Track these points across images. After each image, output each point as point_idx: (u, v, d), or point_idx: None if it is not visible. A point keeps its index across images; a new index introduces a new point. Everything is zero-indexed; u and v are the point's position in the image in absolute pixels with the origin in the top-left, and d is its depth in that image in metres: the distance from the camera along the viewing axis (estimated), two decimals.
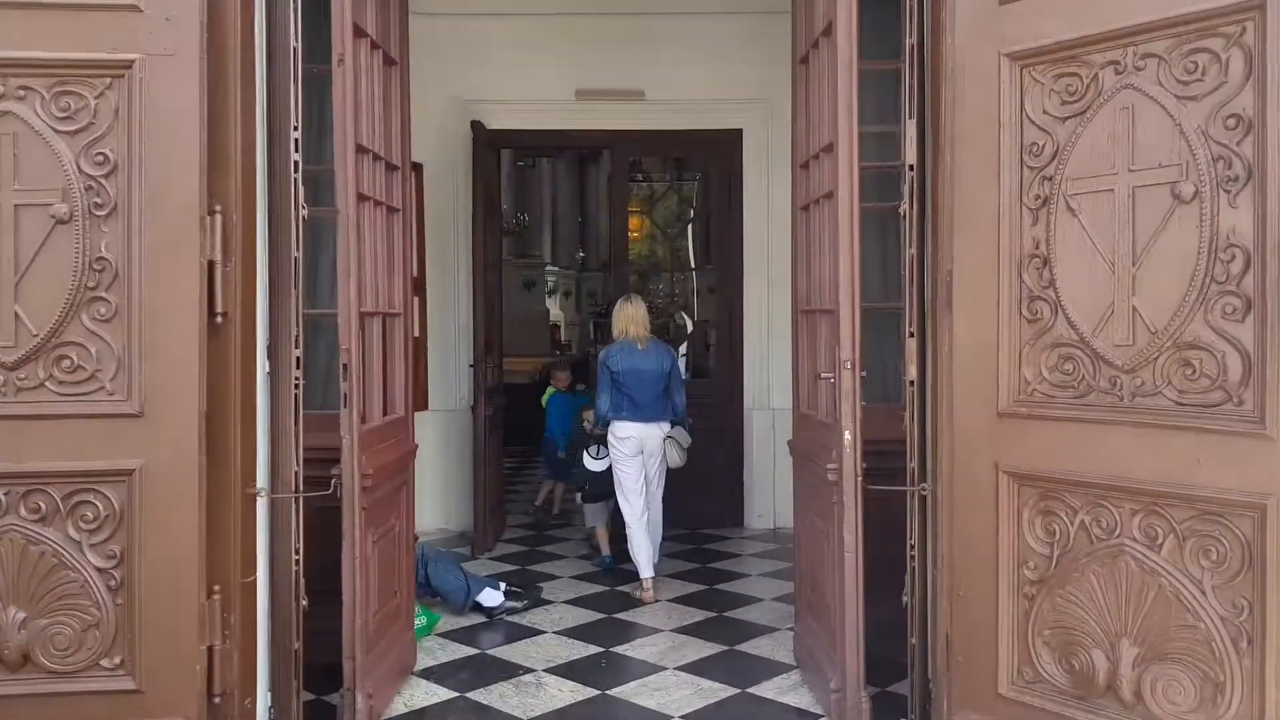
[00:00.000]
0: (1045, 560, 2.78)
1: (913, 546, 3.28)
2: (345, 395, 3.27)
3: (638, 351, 5.39)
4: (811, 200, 3.84)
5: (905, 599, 3.31)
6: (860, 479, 3.23)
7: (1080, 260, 2.71)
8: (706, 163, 9.14)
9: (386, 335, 3.96)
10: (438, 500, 6.85)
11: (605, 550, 6.00)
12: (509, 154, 27.64)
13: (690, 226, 11.42)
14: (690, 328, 9.95)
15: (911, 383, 3.26)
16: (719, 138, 6.91)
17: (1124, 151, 2.63)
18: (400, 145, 4.05)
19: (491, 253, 6.64)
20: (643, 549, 5.26)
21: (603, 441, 5.56)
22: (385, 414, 3.89)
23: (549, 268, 27.95)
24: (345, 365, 3.27)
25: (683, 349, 9.54)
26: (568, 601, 5.12)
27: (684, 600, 5.14)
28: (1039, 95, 2.82)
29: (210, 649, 2.95)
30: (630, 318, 5.47)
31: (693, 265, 10.44)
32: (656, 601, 5.11)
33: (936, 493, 3.08)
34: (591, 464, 5.74)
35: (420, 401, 6.79)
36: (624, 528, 5.45)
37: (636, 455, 5.36)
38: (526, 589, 5.10)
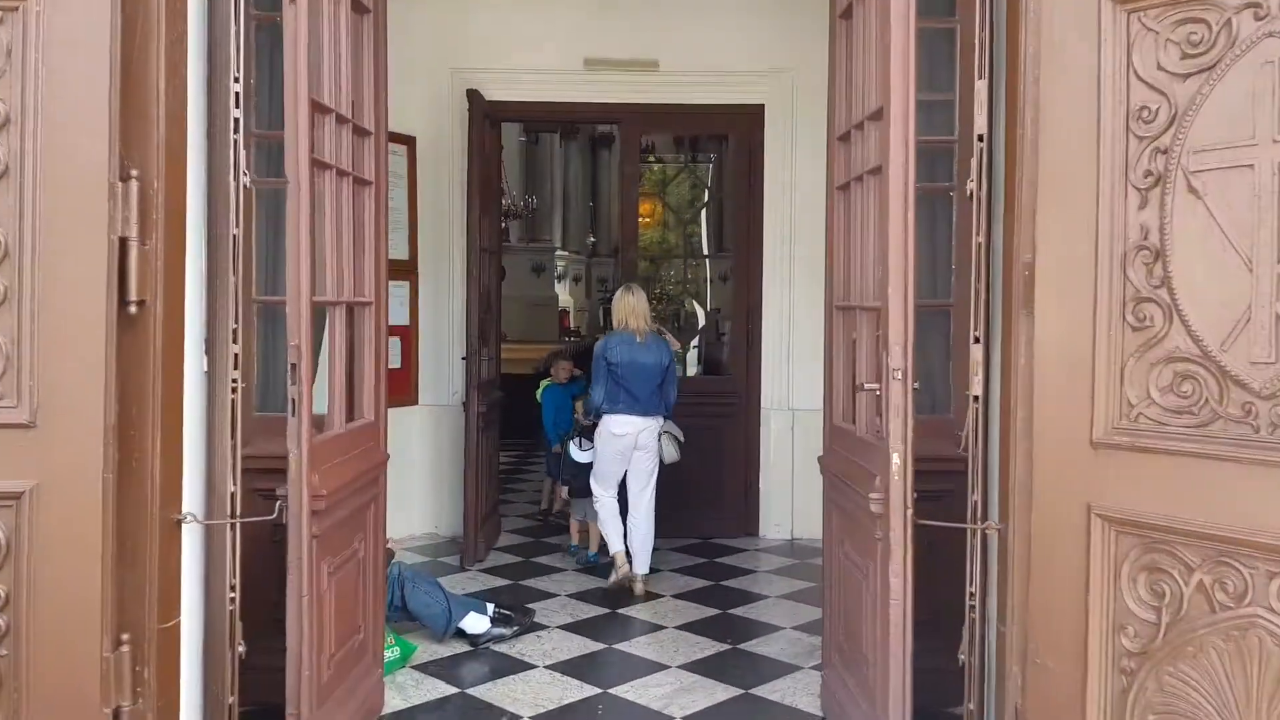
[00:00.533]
0: (1150, 628, 2.22)
1: (973, 595, 2.73)
2: (293, 401, 2.74)
3: (637, 344, 5.20)
4: (853, 178, 3.28)
5: (962, 657, 2.76)
6: (911, 512, 2.68)
7: (1205, 254, 2.14)
8: (724, 140, 8.57)
9: (354, 327, 3.42)
10: (428, 503, 6.33)
11: (592, 548, 5.77)
12: (514, 129, 27.02)
13: (705, 210, 10.85)
14: (702, 319, 9.41)
15: (976, 399, 2.71)
16: (739, 113, 6.33)
17: (1268, 117, 2.05)
18: (374, 108, 3.48)
19: (489, 235, 6.09)
20: (615, 530, 5.27)
21: (589, 433, 5.44)
22: (350, 419, 3.36)
23: (559, 252, 27.40)
24: (293, 365, 2.73)
25: (694, 342, 9.02)
26: (563, 627, 4.56)
27: (693, 628, 4.58)
28: (1151, 46, 2.24)
29: (117, 711, 2.42)
30: (631, 309, 5.26)
31: (706, 251, 9.82)
32: (644, 594, 5.09)
33: (1007, 534, 2.52)
34: (578, 455, 5.59)
35: (410, 395, 6.27)
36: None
37: (629, 452, 5.23)
38: (516, 611, 4.56)
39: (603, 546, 5.60)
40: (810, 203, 6.28)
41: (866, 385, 2.91)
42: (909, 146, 2.73)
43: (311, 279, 2.81)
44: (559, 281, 27.78)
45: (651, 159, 12.53)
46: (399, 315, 6.17)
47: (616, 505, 5.33)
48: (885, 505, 2.71)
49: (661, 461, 5.37)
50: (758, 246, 6.35)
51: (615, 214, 29.88)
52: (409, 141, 6.21)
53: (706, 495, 6.32)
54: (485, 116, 5.85)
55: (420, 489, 6.29)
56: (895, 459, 2.72)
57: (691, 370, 7.85)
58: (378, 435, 3.58)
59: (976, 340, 2.70)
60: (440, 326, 6.31)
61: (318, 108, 2.90)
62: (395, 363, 6.17)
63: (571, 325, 28.06)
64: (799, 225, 6.26)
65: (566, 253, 28.69)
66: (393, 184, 6.14)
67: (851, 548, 3.18)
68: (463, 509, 5.68)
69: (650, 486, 5.32)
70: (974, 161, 2.69)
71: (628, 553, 5.26)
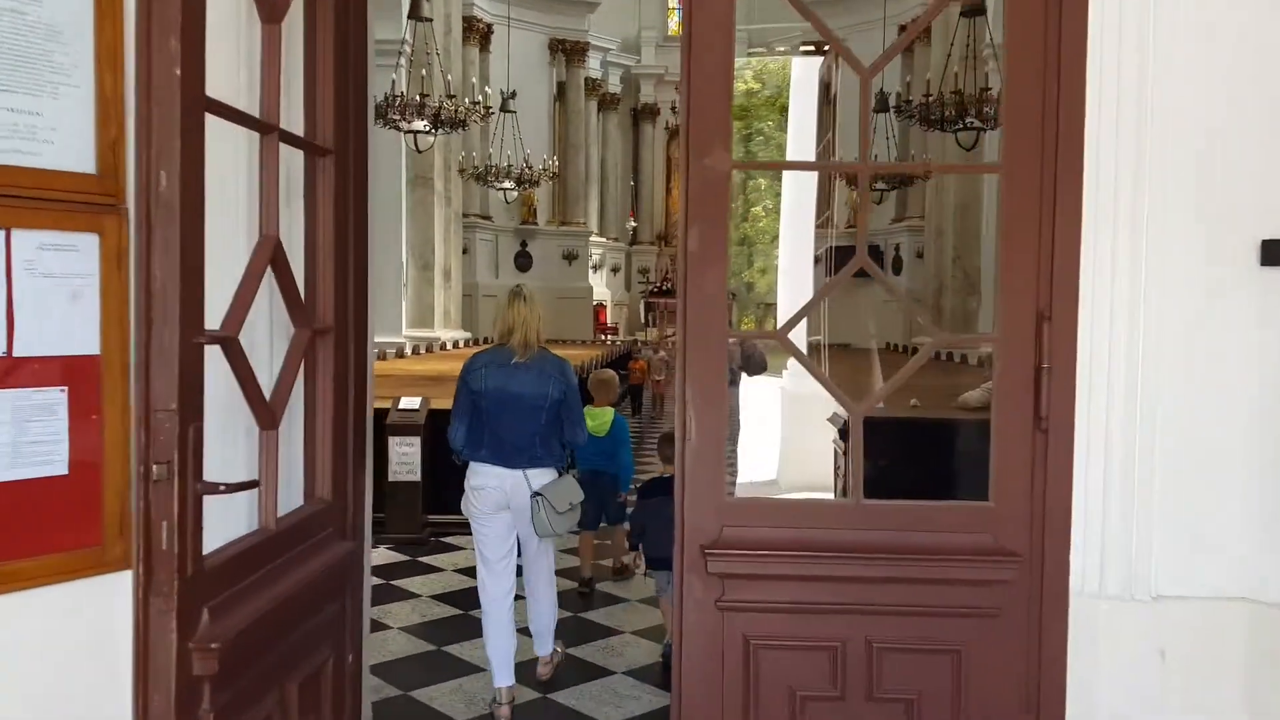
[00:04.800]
0: None
1: None
2: None
3: (513, 366, 3.56)
4: None
5: None
6: None
7: None
8: None
9: None
10: None
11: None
12: (545, 82, 23.15)
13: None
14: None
15: None
16: None
17: None
18: None
19: (343, 109, 2.05)
20: (499, 647, 3.60)
21: None
22: None
23: (595, 238, 23.46)
24: None
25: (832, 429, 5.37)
26: None
27: None
28: None
29: None
30: (521, 320, 3.58)
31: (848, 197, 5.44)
32: (551, 673, 3.85)
33: None
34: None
35: (99, 545, 2.25)
36: None
37: (500, 511, 3.62)
38: None
39: None
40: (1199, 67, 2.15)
41: None
42: None
43: None
44: (594, 271, 23.86)
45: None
46: (59, 335, 2.15)
47: (508, 607, 3.62)
48: None
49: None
50: (1072, 168, 2.21)
51: (658, 195, 26.02)
52: None
53: None
54: None
55: None
56: None
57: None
58: None
59: None
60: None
61: None
62: (44, 465, 2.16)
63: (609, 322, 24.14)
64: (1162, 128, 2.16)
65: (604, 239, 24.71)
66: None
67: None
68: None
69: (546, 552, 3.82)
70: None
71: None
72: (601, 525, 5.16)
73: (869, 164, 2.12)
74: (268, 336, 2.08)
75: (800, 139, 8.02)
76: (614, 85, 24.27)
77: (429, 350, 12.07)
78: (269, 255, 1.84)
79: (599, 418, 5.00)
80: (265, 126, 1.83)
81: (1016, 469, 2.19)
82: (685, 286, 2.26)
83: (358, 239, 2.28)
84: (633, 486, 5.22)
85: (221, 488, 1.60)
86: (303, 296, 2.14)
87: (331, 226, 2.16)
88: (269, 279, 1.97)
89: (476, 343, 15.62)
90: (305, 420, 2.16)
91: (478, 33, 18.82)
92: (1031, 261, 2.19)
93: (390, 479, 5.84)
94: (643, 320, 24.50)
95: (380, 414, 6.17)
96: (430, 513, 6.04)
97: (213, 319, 1.67)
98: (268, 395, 1.86)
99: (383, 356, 10.17)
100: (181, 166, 1.44)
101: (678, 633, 2.27)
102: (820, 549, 2.22)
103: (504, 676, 3.57)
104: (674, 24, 26.34)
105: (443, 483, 6.09)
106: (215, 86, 1.67)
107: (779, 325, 23.78)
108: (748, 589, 2.23)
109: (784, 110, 22.67)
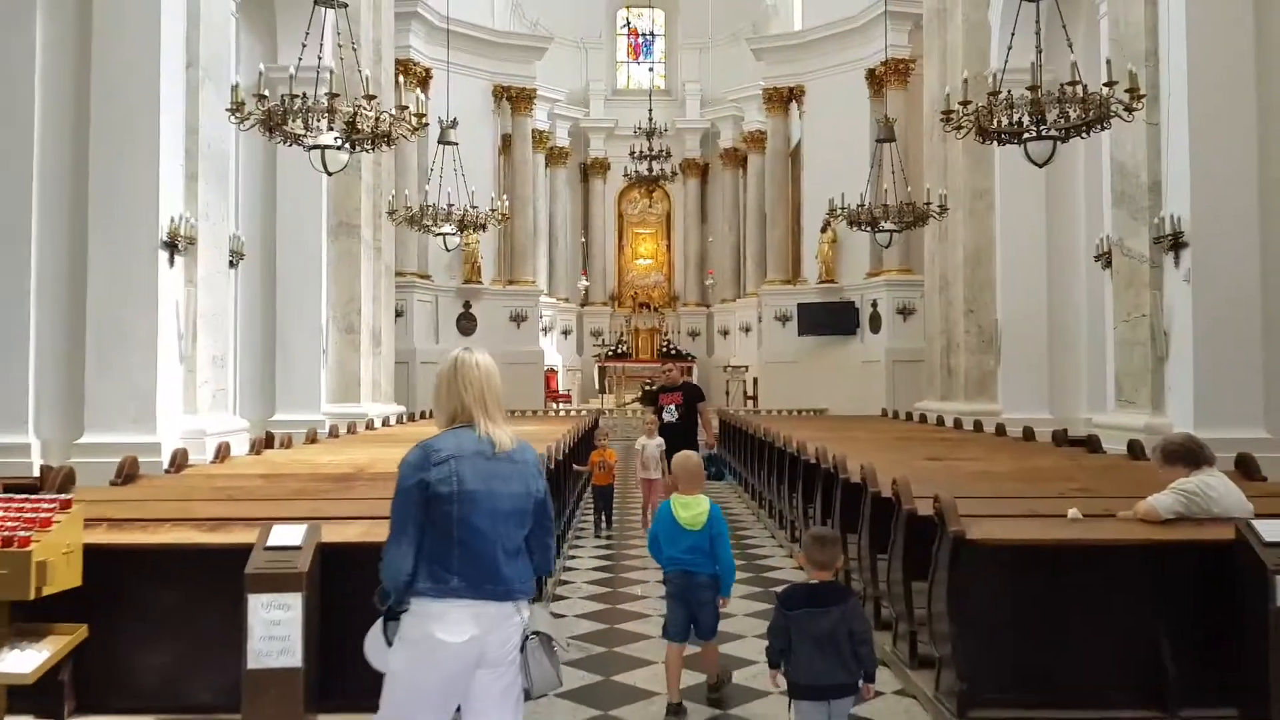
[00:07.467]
0: None
1: None
2: None
3: (490, 461, 2.55)
4: None
5: None
6: None
7: None
8: None
9: None
10: None
11: None
12: (489, 129, 21.07)
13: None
14: None
15: None
16: None
17: None
18: None
19: None
20: None
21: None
22: None
23: (544, 299, 21.28)
24: None
25: None
26: None
27: None
28: None
29: None
30: (479, 393, 2.59)
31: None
32: None
33: None
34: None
35: None
36: None
37: (463, 676, 2.47)
38: None
39: None
40: None
41: None
42: None
43: None
44: (544, 334, 21.61)
45: None
46: None
47: None
48: None
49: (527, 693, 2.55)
50: None
51: (610, 253, 23.86)
52: None
53: None
54: None
55: None
56: None
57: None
58: None
59: None
60: None
61: None
62: None
63: (560, 389, 21.83)
64: None
65: (554, 299, 22.55)
66: None
67: None
68: None
69: None
70: None
71: None
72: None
73: None
74: None
75: None
76: (562, 138, 22.36)
77: (351, 430, 9.62)
78: None
79: (693, 507, 4.19)
80: None
81: None
82: None
83: None
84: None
85: None
86: None
87: None
88: None
89: (412, 419, 13.18)
90: None
91: (415, 78, 16.75)
92: None
93: (250, 665, 3.46)
94: (596, 387, 22.22)
95: (237, 557, 3.81)
96: (320, 711, 3.66)
97: None
98: None
99: (287, 444, 7.70)
100: None
101: None
102: None
103: None
104: (623, 78, 24.65)
105: (338, 663, 3.72)
106: None
107: (755, 396, 20.88)
108: None
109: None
